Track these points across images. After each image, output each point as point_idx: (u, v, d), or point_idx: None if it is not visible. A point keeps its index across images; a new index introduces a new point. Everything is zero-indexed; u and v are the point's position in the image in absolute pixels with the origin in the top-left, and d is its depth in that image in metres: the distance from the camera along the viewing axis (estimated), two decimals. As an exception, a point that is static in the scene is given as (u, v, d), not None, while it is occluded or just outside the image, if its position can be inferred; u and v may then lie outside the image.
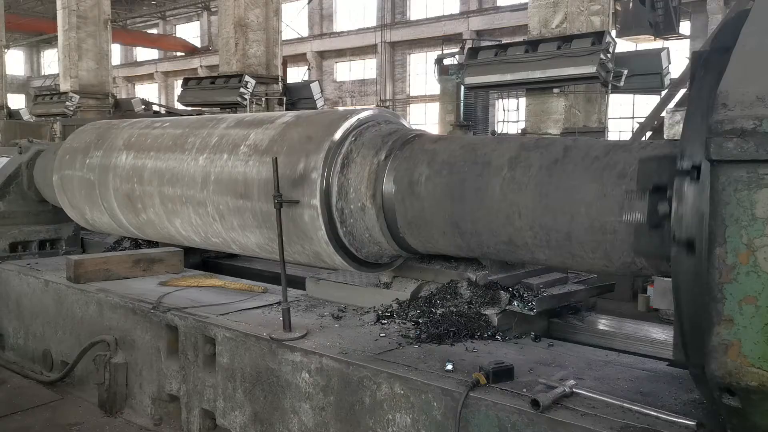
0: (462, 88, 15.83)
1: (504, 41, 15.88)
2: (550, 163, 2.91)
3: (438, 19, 30.91)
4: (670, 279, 2.27)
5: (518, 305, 3.50)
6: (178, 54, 40.91)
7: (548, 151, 2.98)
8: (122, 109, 19.72)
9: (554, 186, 2.86)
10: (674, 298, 2.14)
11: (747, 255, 1.85)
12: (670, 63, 11.25)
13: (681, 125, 2.35)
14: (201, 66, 37.46)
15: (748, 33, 2.02)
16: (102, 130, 5.35)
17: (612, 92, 11.42)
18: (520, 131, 13.73)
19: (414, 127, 4.15)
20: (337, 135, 3.64)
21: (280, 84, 16.31)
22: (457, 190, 3.22)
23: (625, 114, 20.45)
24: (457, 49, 19.59)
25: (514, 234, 3.02)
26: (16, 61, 46.33)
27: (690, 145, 2.07)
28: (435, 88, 22.38)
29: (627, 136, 17.42)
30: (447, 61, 18.95)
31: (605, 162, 2.74)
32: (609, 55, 10.48)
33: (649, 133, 10.44)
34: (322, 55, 35.36)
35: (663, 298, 2.41)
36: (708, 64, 2.16)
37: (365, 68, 34.33)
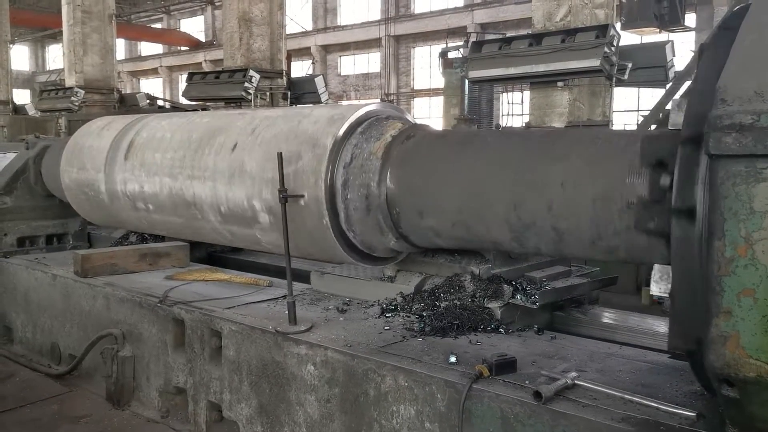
0: (466, 81, 15.78)
1: (508, 34, 15.85)
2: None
3: (442, 12, 30.84)
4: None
5: (521, 298, 3.53)
6: (183, 48, 40.95)
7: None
8: (127, 103, 19.71)
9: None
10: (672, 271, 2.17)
11: (745, 248, 1.88)
12: (674, 56, 11.19)
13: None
14: (205, 60, 37.47)
15: (748, 28, 2.04)
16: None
17: (616, 85, 11.38)
18: (524, 125, 13.71)
19: (418, 120, 4.17)
20: (341, 130, 3.67)
21: (284, 78, 16.32)
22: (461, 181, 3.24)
23: (629, 107, 20.40)
24: (461, 43, 19.55)
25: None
26: (21, 57, 46.45)
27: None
28: (439, 81, 22.36)
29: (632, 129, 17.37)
30: (451, 55, 18.94)
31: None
32: (613, 48, 10.44)
33: (653, 126, 10.42)
34: (326, 48, 35.33)
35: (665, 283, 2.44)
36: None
37: (369, 62, 34.29)
